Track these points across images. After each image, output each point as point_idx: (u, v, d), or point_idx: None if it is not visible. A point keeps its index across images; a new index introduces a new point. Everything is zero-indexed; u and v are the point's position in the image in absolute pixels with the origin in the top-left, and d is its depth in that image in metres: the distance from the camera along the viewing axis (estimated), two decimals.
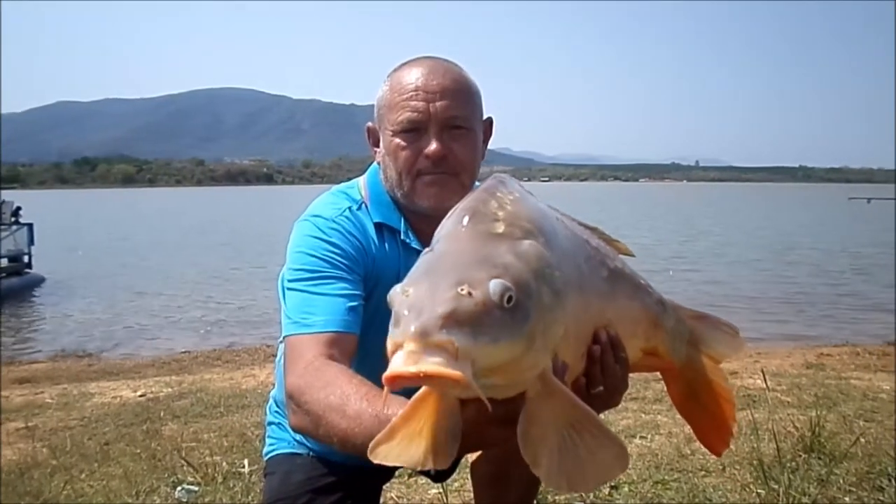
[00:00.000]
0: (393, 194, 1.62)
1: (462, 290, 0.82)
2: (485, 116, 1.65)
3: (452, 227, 0.99)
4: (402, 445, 1.00)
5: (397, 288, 0.86)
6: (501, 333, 0.83)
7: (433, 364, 0.78)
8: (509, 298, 0.83)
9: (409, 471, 2.83)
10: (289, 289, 1.52)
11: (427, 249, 0.99)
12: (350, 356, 1.42)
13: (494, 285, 0.83)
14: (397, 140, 1.55)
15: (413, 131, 1.53)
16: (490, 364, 0.83)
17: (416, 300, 0.82)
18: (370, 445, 1.02)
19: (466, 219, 0.99)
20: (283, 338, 1.49)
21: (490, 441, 1.06)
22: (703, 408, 1.53)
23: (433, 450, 0.99)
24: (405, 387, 0.82)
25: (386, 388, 0.81)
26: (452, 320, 0.80)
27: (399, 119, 1.53)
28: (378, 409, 1.19)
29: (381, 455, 1.01)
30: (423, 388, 0.99)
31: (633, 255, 1.37)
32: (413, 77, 1.54)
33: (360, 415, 1.21)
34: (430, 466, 1.00)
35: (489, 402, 0.89)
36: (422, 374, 0.78)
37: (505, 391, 0.94)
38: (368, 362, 1.24)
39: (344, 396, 1.25)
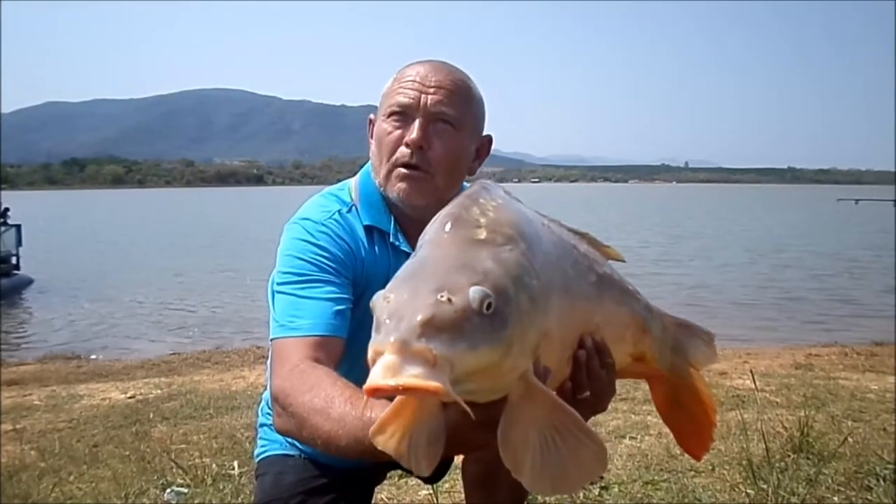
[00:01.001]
0: (377, 184, 1.63)
1: (442, 296, 0.83)
2: (485, 133, 1.66)
3: (435, 233, 1.01)
4: (393, 438, 1.03)
5: (380, 294, 0.88)
6: (480, 340, 0.84)
7: (411, 377, 0.79)
8: (488, 305, 0.85)
9: (401, 472, 2.83)
10: (277, 292, 1.53)
11: (412, 256, 1.00)
12: (336, 359, 1.42)
13: (474, 292, 0.84)
14: (385, 125, 1.57)
15: (401, 115, 1.54)
16: (469, 369, 0.84)
17: (396, 307, 0.84)
18: (371, 430, 1.05)
19: (449, 225, 1.00)
20: (270, 340, 1.50)
21: (473, 444, 1.07)
22: (686, 414, 1.54)
23: (417, 454, 1.01)
24: (386, 396, 0.83)
25: (365, 398, 0.83)
26: (431, 327, 0.81)
27: (390, 103, 1.55)
28: (362, 411, 1.20)
29: (381, 443, 1.05)
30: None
31: (623, 261, 1.38)
32: (415, 71, 1.56)
33: (343, 417, 1.22)
34: (413, 469, 1.03)
35: (471, 407, 0.90)
36: (400, 387, 0.79)
37: (487, 395, 0.95)
38: (359, 365, 1.24)
39: (328, 399, 1.26)
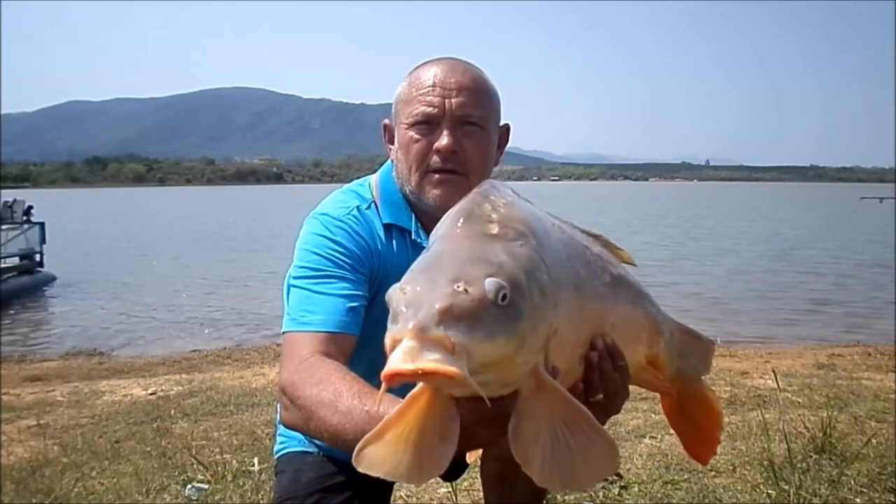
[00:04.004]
0: (403, 191, 1.63)
1: (458, 286, 0.84)
2: (502, 123, 1.65)
3: (447, 228, 1.01)
4: (390, 448, 0.99)
5: (395, 286, 0.88)
6: (497, 330, 0.84)
7: (430, 361, 0.79)
8: (504, 296, 0.85)
9: None
10: (291, 286, 1.53)
11: (424, 251, 1.00)
12: (347, 356, 1.42)
13: (490, 283, 0.85)
14: (410, 133, 1.55)
15: (426, 124, 1.53)
16: (485, 360, 0.84)
17: (413, 297, 0.84)
18: (358, 446, 1.00)
19: (461, 220, 1.00)
20: (282, 333, 1.50)
21: (479, 442, 1.06)
22: (692, 419, 1.53)
23: (422, 455, 0.98)
24: (403, 382, 0.82)
25: (383, 386, 0.82)
26: (449, 316, 0.81)
27: (414, 112, 1.54)
28: (370, 406, 1.20)
29: (367, 459, 1.00)
30: (418, 387, 0.99)
31: (634, 265, 1.37)
32: (431, 74, 1.55)
33: (351, 411, 1.21)
34: (414, 478, 0.99)
35: (477, 402, 0.90)
36: (419, 371, 0.79)
37: (498, 389, 0.94)
38: (376, 362, 1.23)
39: (336, 393, 1.25)
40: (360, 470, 1.00)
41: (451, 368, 0.79)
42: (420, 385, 0.98)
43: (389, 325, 0.85)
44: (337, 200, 1.65)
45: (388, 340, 0.83)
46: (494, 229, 0.98)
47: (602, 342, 1.17)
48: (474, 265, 0.88)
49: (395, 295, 0.86)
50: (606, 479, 3.01)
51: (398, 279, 0.94)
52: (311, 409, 1.28)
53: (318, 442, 1.71)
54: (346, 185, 1.72)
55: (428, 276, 0.87)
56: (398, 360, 0.80)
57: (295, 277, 1.53)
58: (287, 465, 1.76)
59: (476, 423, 0.98)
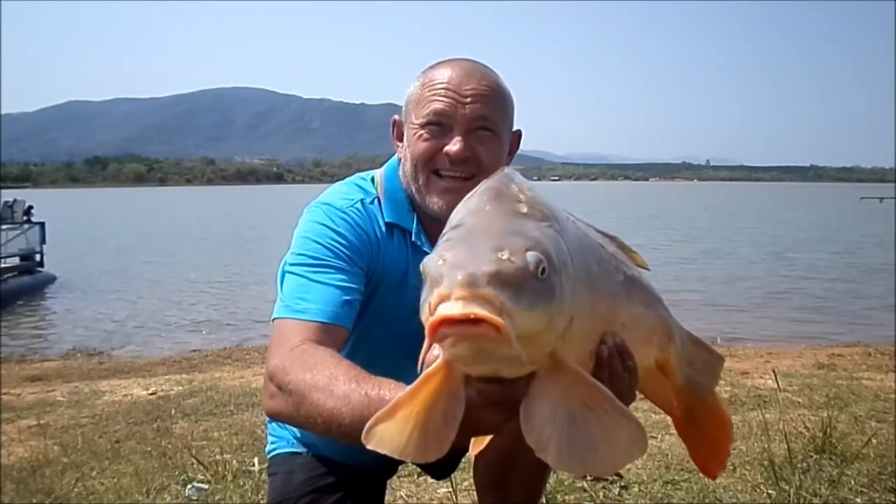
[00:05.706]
0: (408, 190, 1.61)
1: (503, 255, 0.84)
2: (514, 129, 1.63)
3: (477, 204, 1.01)
4: (399, 426, 0.98)
5: (430, 256, 0.87)
6: (536, 301, 0.84)
7: (482, 309, 0.79)
8: (543, 270, 0.86)
9: (416, 469, 2.83)
10: (288, 272, 1.50)
11: (448, 227, 0.99)
12: (338, 348, 1.39)
13: (531, 255, 0.85)
14: (421, 132, 1.53)
15: (438, 125, 1.51)
16: (521, 331, 0.83)
17: (457, 261, 0.83)
18: (369, 423, 0.99)
19: (492, 198, 1.00)
20: (273, 319, 1.46)
21: (485, 426, 1.03)
22: (701, 431, 1.50)
23: (428, 435, 0.97)
24: (449, 336, 0.81)
25: (426, 341, 0.82)
26: (497, 280, 0.81)
27: (425, 113, 1.52)
28: (368, 389, 1.17)
29: (377, 437, 0.99)
30: (433, 366, 0.98)
31: (647, 269, 1.36)
32: (446, 76, 1.52)
33: (348, 395, 1.18)
34: (420, 457, 0.98)
35: (489, 384, 0.92)
36: (472, 316, 0.78)
37: (515, 369, 0.93)
38: (372, 358, 1.21)
39: (332, 377, 1.22)
40: (369, 447, 1.00)
41: (500, 320, 0.78)
42: (435, 364, 0.97)
43: (427, 292, 0.84)
44: (340, 192, 1.63)
45: (433, 298, 0.82)
46: (524, 208, 0.98)
47: (612, 340, 1.16)
48: (514, 237, 0.88)
49: (432, 262, 0.86)
50: (608, 479, 3.01)
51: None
52: (303, 393, 1.24)
53: (307, 442, 1.70)
54: (349, 178, 1.70)
55: (468, 245, 0.87)
56: (447, 308, 0.79)
57: (291, 264, 1.50)
58: (278, 466, 1.76)
59: (484, 405, 0.97)
